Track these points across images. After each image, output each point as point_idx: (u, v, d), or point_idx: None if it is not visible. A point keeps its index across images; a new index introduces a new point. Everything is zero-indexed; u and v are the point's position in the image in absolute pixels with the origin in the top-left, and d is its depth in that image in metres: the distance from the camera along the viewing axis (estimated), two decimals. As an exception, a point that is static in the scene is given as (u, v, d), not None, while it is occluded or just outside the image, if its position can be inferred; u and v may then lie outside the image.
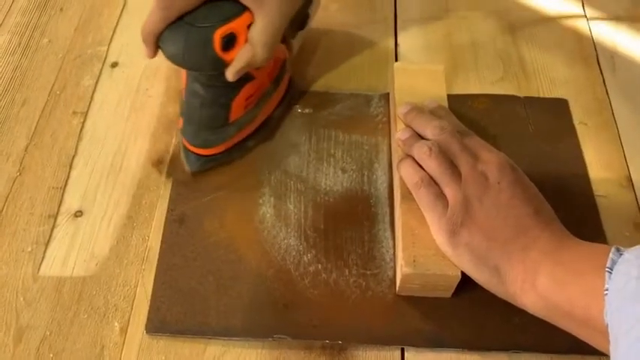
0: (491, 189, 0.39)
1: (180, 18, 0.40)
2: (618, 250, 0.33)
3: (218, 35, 0.40)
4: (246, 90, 0.46)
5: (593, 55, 0.56)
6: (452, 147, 0.42)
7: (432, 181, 0.41)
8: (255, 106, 0.48)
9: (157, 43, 0.42)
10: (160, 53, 0.42)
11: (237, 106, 0.46)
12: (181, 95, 0.47)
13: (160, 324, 0.41)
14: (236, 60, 0.41)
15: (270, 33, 0.42)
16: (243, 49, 0.41)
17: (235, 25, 0.40)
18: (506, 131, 0.50)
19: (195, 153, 0.47)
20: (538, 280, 0.36)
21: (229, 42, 0.41)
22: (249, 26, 0.41)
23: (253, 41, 0.41)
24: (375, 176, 0.48)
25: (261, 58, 0.42)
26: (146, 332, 0.40)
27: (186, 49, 0.40)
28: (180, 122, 0.47)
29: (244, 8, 0.41)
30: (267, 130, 0.50)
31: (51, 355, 0.40)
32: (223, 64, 0.41)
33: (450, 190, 0.40)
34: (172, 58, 0.42)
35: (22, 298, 0.42)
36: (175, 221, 0.45)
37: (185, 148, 0.47)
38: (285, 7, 0.42)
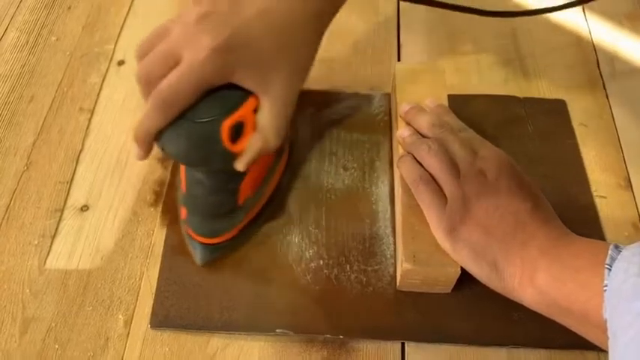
0: (489, 185, 0.39)
1: (180, 114, 0.36)
2: (617, 247, 0.34)
3: (226, 127, 0.36)
4: (254, 170, 0.41)
5: (593, 58, 0.57)
6: (451, 144, 0.42)
7: (432, 179, 0.41)
8: (263, 182, 0.44)
9: (152, 143, 0.37)
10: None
11: (246, 189, 0.42)
12: (180, 183, 0.43)
13: (164, 318, 0.41)
14: (247, 150, 0.38)
15: (280, 116, 0.38)
16: (253, 137, 0.38)
17: (242, 113, 0.37)
18: (505, 131, 0.50)
19: (203, 243, 0.43)
20: (536, 275, 0.36)
21: (237, 132, 0.37)
22: (255, 110, 0.38)
23: (263, 127, 0.38)
24: (376, 174, 0.49)
25: (274, 144, 0.39)
26: (150, 327, 0.41)
27: (191, 148, 0.36)
28: (184, 212, 0.44)
29: (248, 93, 0.37)
30: (276, 203, 0.46)
31: (56, 346, 0.40)
32: (233, 157, 0.38)
33: (448, 187, 0.40)
34: (177, 158, 0.38)
35: (28, 290, 0.43)
36: (180, 217, 0.46)
37: (191, 238, 0.44)
38: (293, 86, 0.39)
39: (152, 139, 0.37)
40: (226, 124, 0.36)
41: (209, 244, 0.43)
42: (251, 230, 0.45)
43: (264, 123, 0.38)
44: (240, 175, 0.41)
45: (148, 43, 0.38)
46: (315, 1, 0.39)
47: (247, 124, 0.37)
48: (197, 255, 0.43)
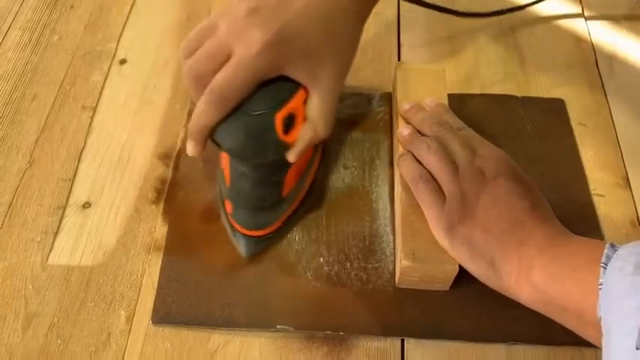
0: (487, 184, 0.40)
1: (234, 107, 0.37)
2: (613, 245, 0.34)
3: (279, 119, 0.37)
4: (297, 162, 0.41)
5: (591, 57, 0.57)
6: (450, 143, 0.43)
7: (431, 177, 0.42)
8: (304, 174, 0.45)
9: (207, 138, 0.38)
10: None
11: (290, 180, 0.43)
12: (222, 176, 0.44)
13: (165, 315, 0.41)
14: (299, 141, 0.39)
15: (329, 107, 0.40)
16: (304, 128, 0.39)
17: (294, 105, 0.38)
18: (504, 130, 0.51)
19: (249, 235, 0.43)
20: (533, 273, 0.36)
21: (290, 123, 0.38)
22: (304, 102, 0.39)
23: (314, 118, 0.39)
24: (376, 172, 0.49)
25: (324, 134, 0.40)
26: (152, 323, 0.41)
27: (247, 140, 0.37)
28: (229, 206, 0.43)
29: (298, 85, 0.38)
30: (315, 194, 0.47)
31: (59, 342, 0.41)
32: (286, 148, 0.39)
33: (447, 185, 0.41)
34: (232, 151, 0.38)
35: (30, 286, 0.43)
36: (180, 214, 0.46)
37: (236, 232, 0.44)
38: (339, 76, 0.40)
39: (208, 134, 0.38)
40: (280, 116, 0.37)
41: (254, 237, 0.43)
42: (292, 222, 0.45)
43: (314, 114, 0.39)
44: (285, 168, 0.42)
45: (195, 39, 0.38)
46: None
47: (298, 116, 0.38)
48: (242, 248, 0.43)
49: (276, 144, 0.38)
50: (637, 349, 0.27)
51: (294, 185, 0.44)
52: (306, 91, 0.38)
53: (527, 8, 0.61)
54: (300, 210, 0.46)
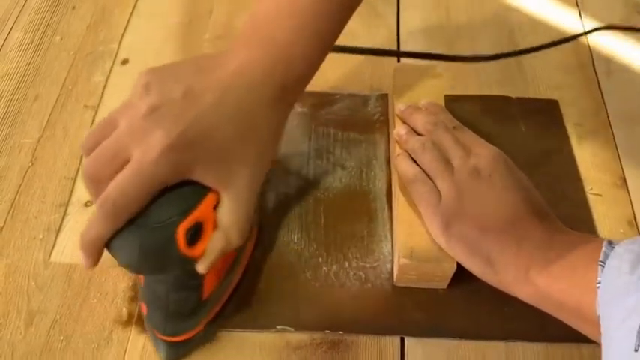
0: (482, 181, 0.40)
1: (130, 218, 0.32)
2: (610, 243, 0.34)
3: (182, 231, 0.32)
4: (217, 264, 0.36)
5: (589, 59, 0.58)
6: (445, 142, 0.43)
7: (427, 176, 0.42)
8: (230, 270, 0.41)
9: (101, 251, 0.33)
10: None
11: (210, 282, 0.38)
12: (139, 279, 0.39)
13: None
14: (208, 252, 0.34)
15: (243, 212, 0.35)
16: (214, 237, 0.34)
17: (200, 213, 0.33)
18: (498, 130, 0.51)
19: (167, 341, 0.39)
20: (531, 271, 0.37)
21: (196, 234, 0.33)
22: (214, 207, 0.34)
23: (225, 226, 0.34)
24: (373, 173, 0.49)
25: (237, 242, 0.35)
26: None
27: (144, 256, 0.32)
28: (144, 308, 0.39)
29: (206, 189, 0.34)
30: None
31: (61, 338, 0.41)
32: (192, 261, 0.34)
33: (442, 184, 0.41)
34: (127, 268, 0.34)
35: (33, 283, 0.44)
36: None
37: (154, 336, 0.40)
38: (256, 177, 0.36)
39: (102, 246, 0.33)
40: (183, 227, 0.32)
41: (174, 342, 0.39)
42: (219, 322, 0.41)
43: (225, 221, 0.34)
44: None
45: (93, 137, 0.34)
46: (276, 80, 0.35)
47: (207, 224, 0.33)
48: (162, 354, 0.39)
49: (178, 259, 0.33)
50: (635, 350, 0.27)
51: (215, 286, 0.39)
52: (217, 194, 0.34)
53: (525, 12, 0.61)
54: (229, 306, 0.41)
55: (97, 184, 0.33)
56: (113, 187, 0.31)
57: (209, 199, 0.33)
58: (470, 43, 0.59)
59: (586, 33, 0.59)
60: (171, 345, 0.39)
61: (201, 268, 0.34)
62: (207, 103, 0.33)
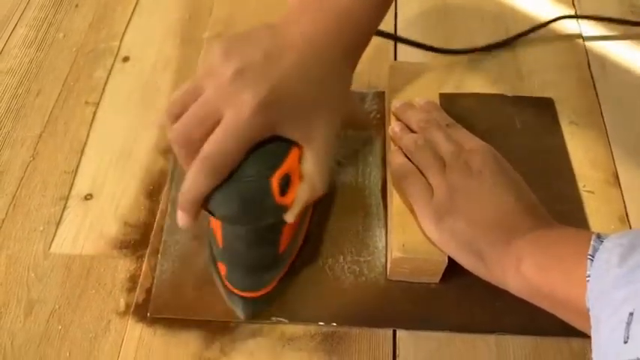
0: (473, 177, 0.41)
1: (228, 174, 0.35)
2: (599, 236, 0.35)
3: (276, 182, 0.35)
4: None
5: (584, 58, 0.58)
6: (437, 138, 0.44)
7: (419, 172, 0.43)
8: (300, 226, 0.43)
9: (200, 208, 0.36)
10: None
11: (287, 236, 0.41)
12: (213, 237, 0.41)
13: (163, 307, 0.42)
14: (296, 201, 0.37)
15: (325, 162, 0.38)
16: (300, 187, 0.37)
17: (289, 166, 0.36)
18: (493, 128, 0.52)
19: (246, 297, 0.41)
20: (521, 264, 0.37)
21: (286, 185, 0.36)
22: (299, 161, 0.37)
23: (310, 176, 0.37)
24: (368, 169, 0.50)
25: (322, 190, 0.38)
26: (149, 315, 0.42)
27: (244, 207, 0.35)
28: (223, 268, 0.41)
29: (291, 143, 0.37)
30: (311, 243, 0.45)
31: (59, 327, 0.42)
32: (284, 210, 0.37)
33: (434, 180, 0.42)
34: (227, 219, 0.37)
35: (33, 274, 0.44)
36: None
37: (232, 294, 0.41)
38: (333, 129, 0.39)
39: (200, 204, 0.35)
40: (276, 179, 0.35)
41: (251, 298, 0.41)
42: (290, 278, 0.43)
43: (310, 171, 0.37)
44: (280, 225, 0.39)
45: (180, 103, 0.36)
46: (343, 44, 0.38)
47: (294, 175, 0.36)
48: (240, 311, 0.41)
49: (273, 208, 0.36)
50: (625, 342, 0.27)
51: (290, 240, 0.42)
52: (300, 148, 0.37)
53: (522, 11, 0.62)
54: (297, 263, 0.44)
55: (189, 147, 0.35)
56: (211, 146, 0.34)
57: (294, 152, 0.36)
58: (466, 40, 0.60)
59: (577, 17, 0.60)
60: (248, 301, 0.41)
61: (290, 217, 0.37)
62: (287, 63, 0.35)
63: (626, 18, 0.60)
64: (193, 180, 0.34)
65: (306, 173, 0.37)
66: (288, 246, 0.41)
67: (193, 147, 0.35)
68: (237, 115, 0.34)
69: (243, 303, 0.41)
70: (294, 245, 0.43)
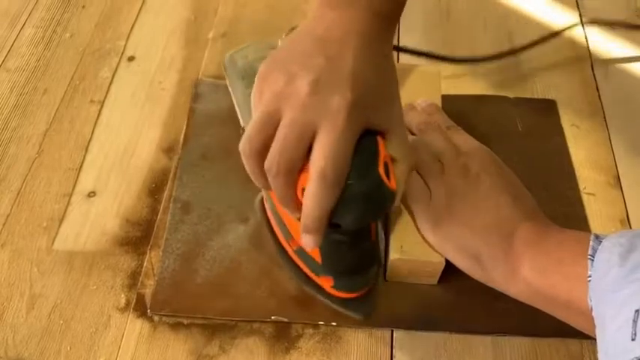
0: (472, 180, 0.41)
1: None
2: (597, 237, 0.35)
3: (383, 173, 0.35)
4: None
5: (587, 61, 0.58)
6: (435, 141, 0.44)
7: (418, 175, 0.43)
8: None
9: (326, 225, 0.35)
10: None
11: (374, 225, 0.42)
12: (309, 258, 0.42)
13: (164, 304, 0.43)
14: (399, 182, 0.37)
15: (407, 142, 0.38)
16: (399, 169, 0.37)
17: (383, 152, 0.36)
18: (495, 130, 0.52)
19: (359, 296, 0.42)
20: (521, 267, 0.37)
21: (386, 171, 0.36)
22: (385, 145, 0.37)
23: (402, 155, 0.37)
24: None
25: (414, 167, 0.41)
26: (150, 311, 0.43)
27: (369, 206, 0.35)
28: (328, 281, 0.42)
29: (374, 132, 0.36)
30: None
31: (61, 322, 0.42)
32: (395, 195, 0.37)
33: (432, 182, 0.42)
34: (355, 223, 0.36)
35: (36, 269, 0.45)
36: (181, 206, 0.48)
37: (345, 300, 0.42)
38: (401, 112, 0.39)
39: (327, 220, 0.35)
40: (382, 169, 0.35)
41: (364, 294, 0.42)
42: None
43: (399, 152, 0.37)
44: None
45: (259, 137, 0.34)
46: (378, 33, 0.38)
47: (388, 160, 0.37)
48: (359, 313, 0.42)
49: (390, 195, 0.36)
50: (632, 340, 0.27)
51: (375, 226, 0.42)
52: (381, 134, 0.37)
53: (525, 13, 0.62)
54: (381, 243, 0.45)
55: (291, 171, 0.34)
56: (324, 160, 0.33)
57: (380, 139, 0.36)
58: (469, 45, 0.60)
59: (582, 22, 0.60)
60: (363, 299, 0.42)
61: (398, 200, 0.37)
62: (349, 59, 0.35)
63: (632, 22, 0.60)
64: (316, 199, 0.33)
65: (398, 153, 0.37)
66: (375, 233, 0.43)
67: (296, 169, 0.34)
68: (335, 122, 0.33)
69: (360, 303, 0.42)
70: (376, 230, 0.44)
